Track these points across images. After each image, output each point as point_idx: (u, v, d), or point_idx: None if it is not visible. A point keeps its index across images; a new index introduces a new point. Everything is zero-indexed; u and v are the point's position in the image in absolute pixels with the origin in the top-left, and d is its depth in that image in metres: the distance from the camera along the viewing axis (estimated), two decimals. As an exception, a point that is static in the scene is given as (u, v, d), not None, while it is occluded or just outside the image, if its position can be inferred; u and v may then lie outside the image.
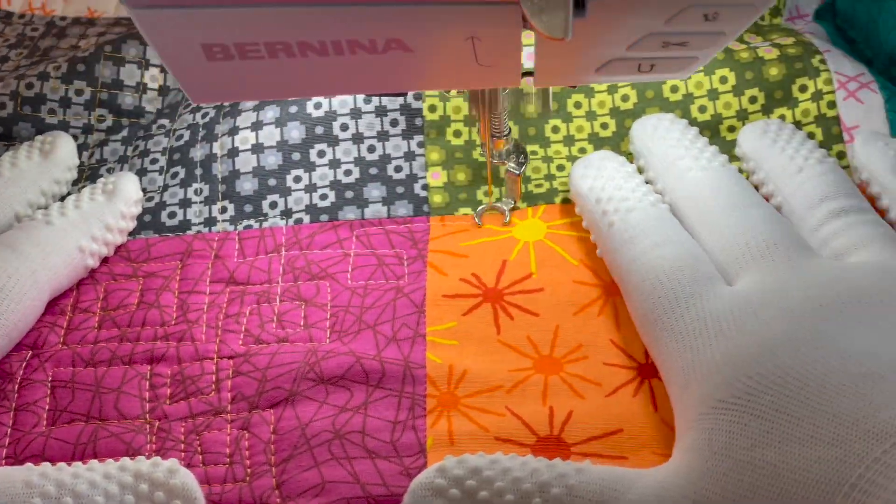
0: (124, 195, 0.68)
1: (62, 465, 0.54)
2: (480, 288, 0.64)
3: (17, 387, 0.61)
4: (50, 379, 0.61)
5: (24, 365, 0.62)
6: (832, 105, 0.69)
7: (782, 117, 0.69)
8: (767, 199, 0.64)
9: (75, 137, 0.73)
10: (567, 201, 0.69)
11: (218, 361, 0.62)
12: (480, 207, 0.67)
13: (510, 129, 0.63)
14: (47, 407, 0.60)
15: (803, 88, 0.69)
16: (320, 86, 0.51)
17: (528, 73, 0.53)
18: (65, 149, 0.71)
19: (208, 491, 0.56)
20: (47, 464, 0.54)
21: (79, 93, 0.74)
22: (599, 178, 0.65)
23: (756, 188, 0.66)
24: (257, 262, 0.67)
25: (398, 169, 0.70)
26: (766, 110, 0.70)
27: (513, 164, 0.65)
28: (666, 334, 0.56)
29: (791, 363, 0.50)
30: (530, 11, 0.43)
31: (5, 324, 0.60)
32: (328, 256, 0.66)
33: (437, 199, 0.69)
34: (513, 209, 0.66)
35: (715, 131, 0.70)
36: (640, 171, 0.67)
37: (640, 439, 0.57)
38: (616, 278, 0.62)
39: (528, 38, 0.49)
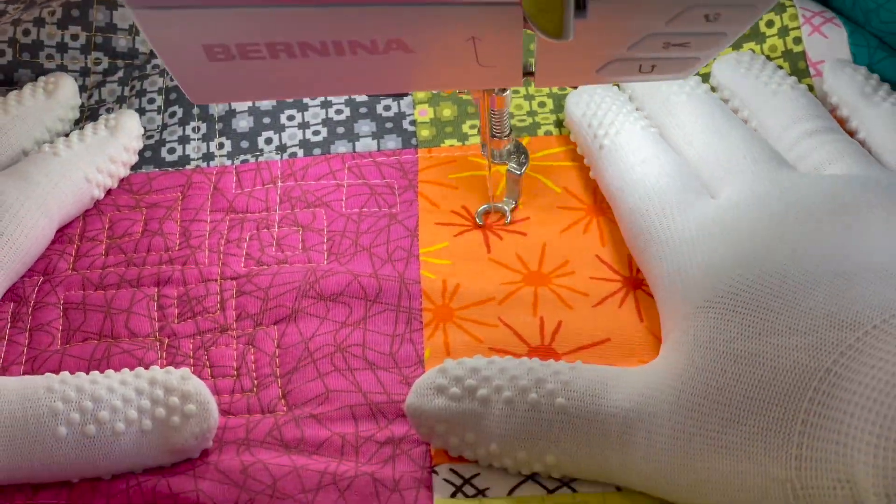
0: (126, 130, 0.70)
1: (80, 373, 0.57)
2: (470, 220, 0.68)
3: (30, 309, 0.64)
4: (62, 301, 0.64)
5: (36, 289, 0.65)
6: (798, 41, 0.72)
7: (751, 51, 0.72)
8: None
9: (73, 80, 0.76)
10: (549, 133, 0.72)
11: (221, 282, 0.65)
12: (482, 207, 0.68)
13: (511, 129, 0.65)
14: (60, 327, 0.63)
15: (770, 24, 0.73)
16: (321, 86, 0.51)
17: (529, 74, 0.53)
18: (67, 88, 0.73)
19: (218, 401, 0.59)
20: (66, 372, 0.57)
21: (74, 37, 0.77)
22: (591, 105, 0.68)
23: None
24: (255, 192, 0.69)
25: (387, 108, 0.73)
26: (735, 45, 0.73)
27: (514, 165, 0.66)
28: (653, 243, 0.60)
29: (770, 264, 0.53)
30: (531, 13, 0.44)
31: (18, 248, 0.63)
32: (322, 186, 0.69)
33: (424, 133, 0.72)
34: (513, 209, 0.68)
35: None
36: (628, 99, 0.70)
37: (628, 348, 0.60)
38: (606, 195, 0.66)
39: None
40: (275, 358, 0.61)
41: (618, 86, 0.72)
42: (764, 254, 0.54)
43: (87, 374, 0.57)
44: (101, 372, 0.58)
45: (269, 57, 0.47)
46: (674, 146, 0.66)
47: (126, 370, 0.57)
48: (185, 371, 0.57)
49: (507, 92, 0.61)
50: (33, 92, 0.72)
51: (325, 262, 0.65)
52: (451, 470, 0.56)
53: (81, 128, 0.71)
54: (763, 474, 0.49)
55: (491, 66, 0.48)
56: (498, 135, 0.64)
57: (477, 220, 0.67)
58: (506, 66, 0.48)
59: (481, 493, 0.55)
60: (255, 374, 0.61)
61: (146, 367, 0.59)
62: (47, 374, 0.57)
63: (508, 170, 0.66)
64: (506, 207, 0.67)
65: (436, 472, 0.56)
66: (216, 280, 0.65)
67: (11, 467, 0.54)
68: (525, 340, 0.61)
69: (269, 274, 0.65)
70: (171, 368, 0.57)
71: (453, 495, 0.55)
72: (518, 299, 0.63)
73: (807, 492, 0.47)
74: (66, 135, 0.72)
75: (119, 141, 0.70)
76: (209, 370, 0.61)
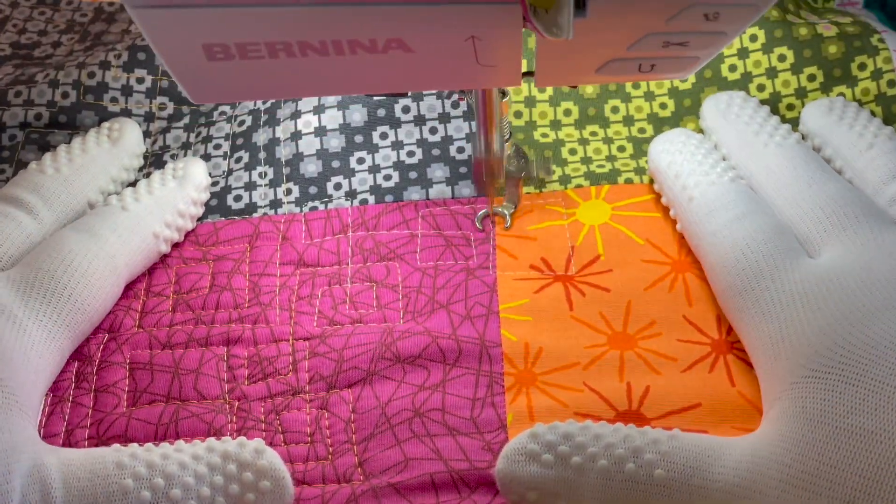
0: (194, 180, 0.68)
1: (150, 445, 0.55)
2: (551, 272, 0.65)
3: (95, 368, 0.62)
4: (128, 361, 0.62)
5: (101, 347, 0.63)
6: (892, 84, 0.69)
7: (842, 95, 0.69)
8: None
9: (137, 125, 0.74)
10: (629, 181, 0.69)
11: (294, 343, 0.62)
12: (481, 212, 0.67)
13: (511, 133, 0.63)
14: (127, 388, 0.61)
15: (862, 67, 0.70)
16: (321, 85, 0.50)
17: (529, 74, 0.53)
18: (132, 135, 0.71)
19: (292, 469, 0.57)
20: (135, 445, 0.55)
21: (140, 81, 0.75)
22: (678, 154, 0.66)
23: None
24: (325, 243, 0.67)
25: (460, 150, 0.71)
26: (825, 88, 0.70)
27: (513, 169, 0.65)
28: (752, 307, 0.57)
29: (882, 333, 0.51)
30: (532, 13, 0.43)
31: (86, 307, 0.61)
32: (395, 237, 0.67)
33: (500, 180, 0.70)
34: (513, 213, 0.66)
35: (774, 110, 0.71)
36: (714, 147, 0.68)
37: (720, 414, 0.58)
38: (697, 252, 0.63)
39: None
40: (350, 423, 0.59)
41: (702, 131, 0.69)
42: (874, 321, 0.51)
43: (156, 440, 0.56)
44: (169, 438, 0.56)
45: (268, 56, 0.46)
46: (766, 200, 0.63)
47: (198, 443, 0.55)
48: (259, 443, 0.54)
49: (508, 96, 0.60)
50: (97, 139, 0.70)
51: (402, 321, 0.63)
52: None
53: (147, 175, 0.69)
54: None
55: (490, 66, 0.48)
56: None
57: (477, 224, 0.66)
58: (505, 66, 0.48)
59: None
60: (329, 440, 0.58)
61: (216, 433, 0.57)
62: (116, 445, 0.55)
63: (508, 174, 0.65)
64: (506, 212, 0.66)
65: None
66: (288, 340, 0.62)
67: None
68: (612, 405, 0.58)
69: (344, 335, 0.62)
70: (244, 440, 0.55)
71: None
72: (604, 363, 0.60)
73: None
74: (132, 183, 0.70)
75: (187, 193, 0.68)
76: (282, 436, 0.59)
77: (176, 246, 0.68)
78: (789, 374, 0.53)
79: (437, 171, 0.70)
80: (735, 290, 0.58)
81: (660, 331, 0.61)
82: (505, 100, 0.60)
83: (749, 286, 0.58)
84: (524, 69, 0.59)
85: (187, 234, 0.68)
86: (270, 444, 0.58)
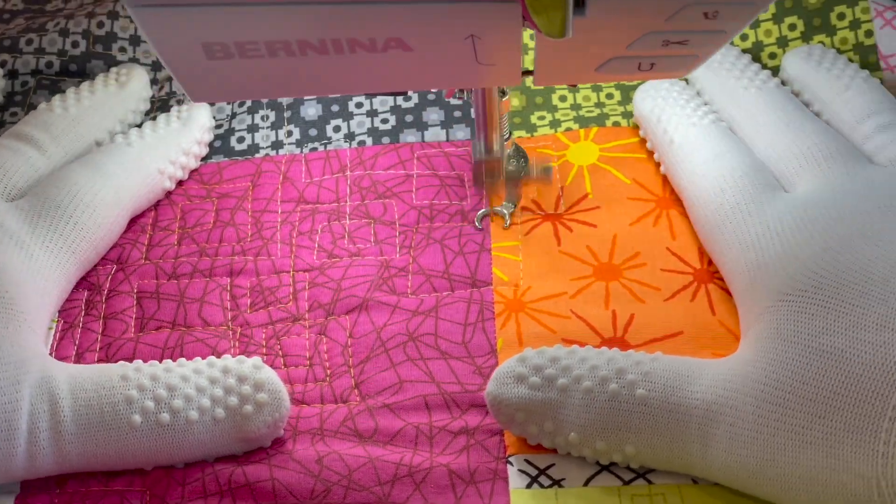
0: (198, 122, 0.71)
1: (154, 361, 0.58)
2: (541, 212, 0.68)
3: (104, 297, 0.65)
4: (135, 290, 0.65)
5: (109, 277, 0.65)
6: (870, 34, 0.71)
7: (821, 44, 0.72)
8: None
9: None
10: (617, 124, 0.72)
11: (294, 274, 0.65)
12: (481, 212, 0.67)
13: (510, 133, 0.64)
14: (134, 315, 0.64)
15: (841, 16, 0.72)
16: (320, 84, 0.50)
17: (528, 73, 0.53)
18: (140, 80, 0.74)
19: (291, 390, 0.60)
20: (139, 360, 0.58)
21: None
22: (661, 100, 0.68)
23: None
24: (324, 182, 0.70)
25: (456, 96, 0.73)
26: (806, 38, 0.73)
27: (513, 168, 0.66)
28: (730, 238, 0.60)
29: (853, 259, 0.53)
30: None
31: (92, 237, 0.64)
32: (392, 177, 0.70)
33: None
34: (513, 213, 0.67)
35: (756, 58, 0.73)
36: (697, 94, 0.70)
37: (701, 341, 0.60)
38: (679, 191, 0.66)
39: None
40: (347, 348, 0.61)
41: (686, 80, 0.71)
42: (846, 248, 0.54)
43: (161, 362, 0.58)
44: (175, 360, 0.59)
45: (268, 55, 0.46)
46: (745, 140, 0.65)
47: (199, 359, 0.58)
48: (257, 360, 0.57)
49: (507, 95, 0.61)
50: (105, 83, 0.72)
51: (398, 255, 0.65)
52: (526, 461, 0.56)
53: (153, 119, 0.72)
54: (849, 471, 0.48)
55: (490, 65, 0.48)
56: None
57: (476, 223, 0.67)
58: (505, 65, 0.48)
59: (557, 483, 0.55)
60: (327, 363, 0.61)
61: (219, 356, 0.59)
62: (122, 362, 0.58)
63: (507, 173, 0.65)
64: (505, 211, 0.67)
65: (510, 463, 0.56)
66: (289, 272, 0.65)
67: (87, 454, 0.55)
68: (598, 332, 0.61)
69: (342, 266, 0.65)
70: (243, 357, 0.58)
71: (529, 486, 0.56)
72: (590, 293, 0.63)
73: (893, 489, 0.47)
74: (139, 126, 0.72)
75: (191, 133, 0.70)
76: (282, 359, 0.61)
77: (181, 184, 0.71)
78: (765, 298, 0.55)
79: (433, 115, 0.73)
80: (714, 223, 0.61)
81: (644, 261, 0.64)
82: (505, 99, 0.61)
83: (727, 219, 0.60)
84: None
85: (192, 173, 0.71)
86: (271, 367, 0.60)
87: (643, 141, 0.70)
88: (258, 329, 0.63)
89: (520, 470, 0.56)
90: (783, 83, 0.71)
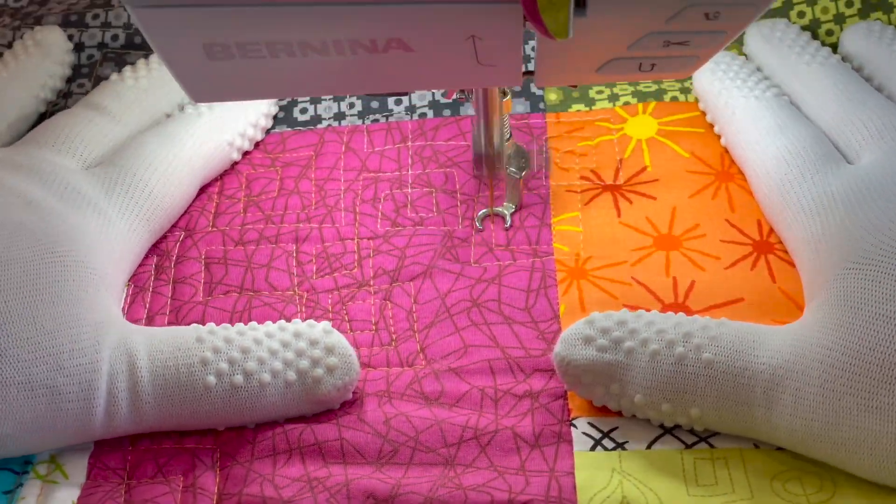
0: None
1: (226, 325, 0.59)
2: (600, 182, 0.68)
3: (173, 263, 0.66)
4: (203, 256, 0.66)
5: (178, 244, 0.67)
6: None
7: (879, 21, 0.72)
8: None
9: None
10: (675, 99, 0.73)
11: (359, 241, 0.66)
12: (481, 212, 0.67)
13: (511, 133, 0.65)
14: (203, 280, 0.65)
15: None
16: (321, 85, 0.50)
17: (529, 73, 0.53)
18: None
19: (357, 353, 0.60)
20: (212, 323, 0.59)
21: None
22: (722, 73, 0.69)
23: None
24: (386, 151, 0.71)
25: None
26: (863, 14, 0.73)
27: (514, 169, 0.66)
28: (794, 207, 0.60)
29: None
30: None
31: (165, 205, 0.66)
32: (453, 147, 0.71)
33: (551, 97, 0.73)
34: (513, 213, 0.67)
35: (814, 35, 0.74)
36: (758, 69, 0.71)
37: (762, 308, 0.61)
38: (740, 163, 0.67)
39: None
40: (412, 313, 0.63)
41: (745, 55, 0.72)
42: None
43: (233, 325, 0.59)
44: (244, 324, 0.60)
45: (269, 56, 0.46)
46: (806, 113, 0.66)
47: (270, 323, 0.59)
48: (327, 325, 0.58)
49: (508, 96, 0.61)
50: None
51: (460, 226, 0.66)
52: (590, 423, 0.57)
53: None
54: None
55: (490, 65, 0.48)
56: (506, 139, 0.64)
57: (477, 224, 0.67)
58: (505, 65, 0.48)
59: (620, 446, 0.56)
60: (392, 328, 0.62)
61: (288, 321, 0.60)
62: (195, 324, 0.59)
63: (508, 174, 0.66)
64: (506, 212, 0.67)
65: (574, 426, 0.57)
66: (353, 239, 0.66)
67: (161, 414, 0.56)
68: (659, 298, 0.62)
69: (406, 235, 0.66)
70: (313, 322, 0.59)
71: (592, 448, 0.56)
72: (650, 262, 0.64)
73: None
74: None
75: (258, 106, 0.72)
76: (348, 324, 0.63)
77: (246, 154, 0.72)
78: (831, 267, 0.56)
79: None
80: (778, 193, 0.62)
81: (703, 232, 0.65)
82: (505, 99, 0.61)
83: (791, 188, 0.61)
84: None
85: (257, 144, 0.73)
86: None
87: (701, 116, 0.71)
88: (324, 294, 0.64)
89: (583, 433, 0.57)
90: (843, 59, 0.71)
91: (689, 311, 0.61)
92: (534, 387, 0.59)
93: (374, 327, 0.62)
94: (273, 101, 0.73)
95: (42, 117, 0.74)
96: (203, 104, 0.70)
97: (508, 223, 0.66)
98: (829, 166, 0.61)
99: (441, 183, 0.69)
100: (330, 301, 0.64)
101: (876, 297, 0.52)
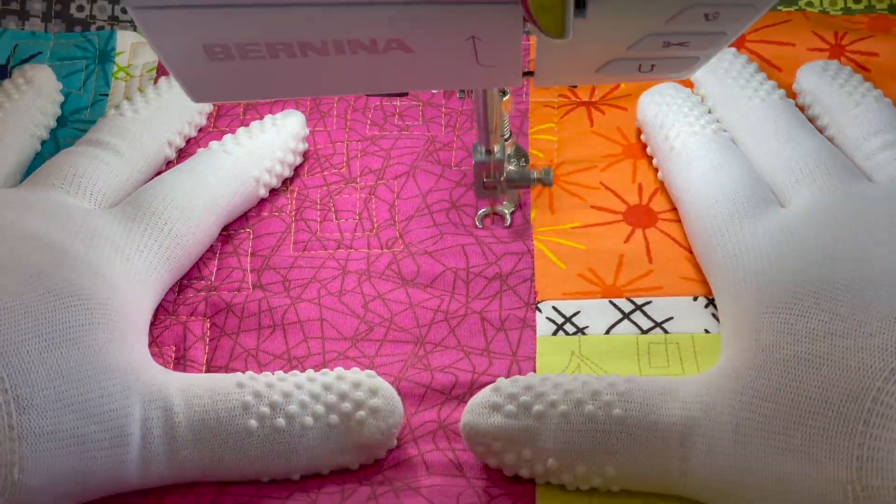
0: (292, 130, 0.69)
1: (266, 372, 0.59)
2: (577, 98, 0.73)
3: None
4: None
5: None
6: None
7: (837, 62, 0.71)
8: (821, 132, 0.66)
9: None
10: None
11: (348, 143, 0.71)
12: (481, 211, 0.67)
13: (510, 133, 0.66)
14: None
15: None
16: (321, 85, 0.49)
17: (529, 74, 0.53)
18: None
19: (340, 237, 0.66)
20: (251, 372, 0.58)
21: None
22: (664, 106, 0.68)
23: (811, 122, 0.67)
24: None
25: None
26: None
27: (514, 168, 0.66)
28: (719, 251, 0.59)
29: (836, 271, 0.53)
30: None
31: (185, 242, 0.63)
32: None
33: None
34: (513, 212, 0.67)
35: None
36: (701, 100, 0.70)
37: None
38: (674, 198, 0.66)
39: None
40: (394, 206, 0.67)
41: (691, 87, 0.72)
42: (829, 261, 0.54)
43: (273, 373, 0.58)
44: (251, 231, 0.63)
45: (269, 57, 0.46)
46: (745, 151, 0.65)
47: (311, 370, 0.58)
48: (371, 371, 0.57)
49: (507, 96, 0.61)
50: (170, 84, 0.72)
51: (443, 133, 0.71)
52: (554, 308, 0.62)
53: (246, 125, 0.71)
54: (825, 476, 0.48)
55: (490, 66, 0.47)
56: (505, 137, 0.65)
57: (477, 223, 0.67)
58: (505, 66, 0.47)
59: (581, 331, 0.61)
60: (375, 217, 0.67)
61: (277, 210, 0.65)
62: (236, 372, 0.59)
63: (508, 173, 0.65)
64: (506, 211, 0.67)
65: (539, 310, 0.62)
66: (343, 141, 0.71)
67: (202, 460, 0.55)
68: (624, 200, 0.66)
69: (392, 138, 0.71)
70: (356, 369, 0.58)
71: (555, 333, 0.61)
72: (619, 168, 0.68)
73: (867, 492, 0.47)
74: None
75: (286, 142, 0.69)
76: (333, 213, 0.67)
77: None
78: (747, 314, 0.55)
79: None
80: (705, 235, 0.61)
81: (671, 143, 0.69)
82: (505, 99, 0.61)
83: (719, 231, 0.60)
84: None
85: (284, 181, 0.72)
86: (323, 220, 0.67)
87: None
88: (314, 190, 0.69)
89: (547, 317, 0.61)
90: (794, 95, 0.71)
91: (651, 213, 0.66)
92: (503, 269, 0.64)
93: (357, 217, 0.67)
94: (301, 136, 0.70)
95: (38, 156, 0.72)
96: (230, 140, 0.68)
97: (508, 222, 0.67)
98: (758, 209, 0.60)
99: (427, 97, 0.73)
100: (319, 195, 0.68)
101: (788, 339, 0.52)
